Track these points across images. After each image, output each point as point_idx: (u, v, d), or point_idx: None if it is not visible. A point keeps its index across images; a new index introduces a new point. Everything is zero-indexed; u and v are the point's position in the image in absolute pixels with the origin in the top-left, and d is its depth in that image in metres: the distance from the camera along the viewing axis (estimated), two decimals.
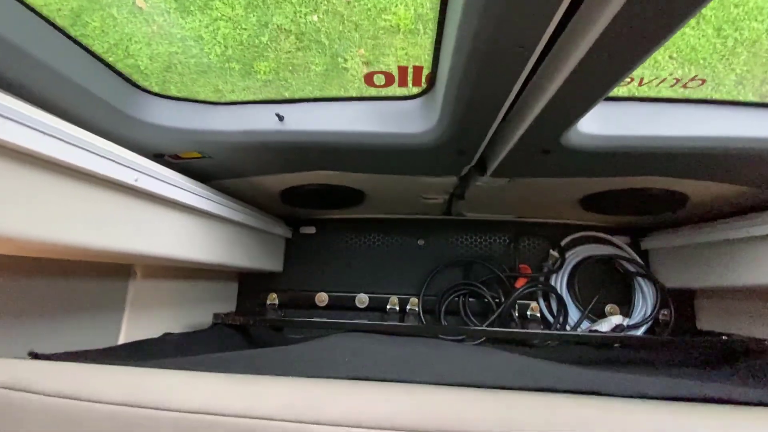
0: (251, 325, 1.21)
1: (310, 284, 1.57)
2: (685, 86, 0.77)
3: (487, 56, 0.56)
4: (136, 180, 0.74)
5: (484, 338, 1.34)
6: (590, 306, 1.40)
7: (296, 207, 1.43)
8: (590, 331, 1.35)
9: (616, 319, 1.34)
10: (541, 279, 1.47)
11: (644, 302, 1.41)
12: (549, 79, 0.63)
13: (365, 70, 0.81)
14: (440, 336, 1.30)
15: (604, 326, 1.34)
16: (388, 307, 1.51)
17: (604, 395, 0.55)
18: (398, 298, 1.52)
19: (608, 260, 1.48)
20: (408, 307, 1.50)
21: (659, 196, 1.15)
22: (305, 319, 1.28)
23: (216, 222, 1.10)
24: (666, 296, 1.39)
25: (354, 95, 0.88)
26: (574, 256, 1.50)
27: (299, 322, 1.28)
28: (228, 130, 0.88)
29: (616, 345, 1.25)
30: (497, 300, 1.46)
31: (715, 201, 1.14)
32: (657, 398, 0.54)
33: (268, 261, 1.49)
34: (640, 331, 1.37)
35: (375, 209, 1.54)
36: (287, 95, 2.59)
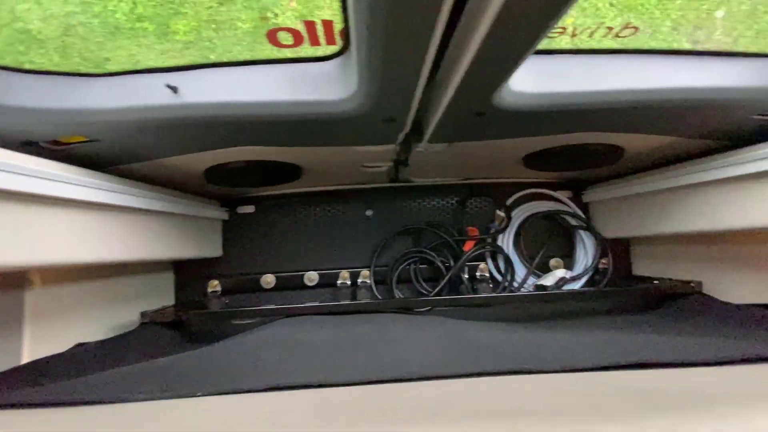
0: (184, 320, 1.12)
1: (255, 266, 1.48)
2: (618, 35, 0.72)
3: (393, 10, 0.47)
4: None
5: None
6: (535, 262, 1.43)
7: (226, 186, 1.30)
8: (536, 286, 1.39)
9: (560, 272, 1.38)
10: (489, 240, 1.48)
11: (585, 254, 1.46)
12: (470, 35, 0.56)
13: (274, 27, 0.68)
14: (392, 310, 1.28)
15: (549, 280, 1.38)
16: (338, 282, 1.46)
17: (535, 373, 0.54)
18: (349, 272, 1.47)
19: (552, 215, 1.51)
20: (359, 280, 1.47)
21: (597, 151, 1.14)
22: (247, 308, 1.20)
23: (125, 214, 0.97)
24: (605, 246, 1.44)
25: (266, 57, 0.76)
26: (519, 215, 1.50)
27: (241, 312, 1.20)
28: (111, 107, 0.73)
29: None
30: (447, 264, 1.45)
31: (650, 152, 1.16)
32: (586, 370, 0.53)
33: (203, 247, 1.37)
34: (581, 281, 1.43)
35: (316, 182, 1.44)
36: (213, 58, 2.30)
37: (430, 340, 0.73)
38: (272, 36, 0.66)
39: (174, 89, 0.71)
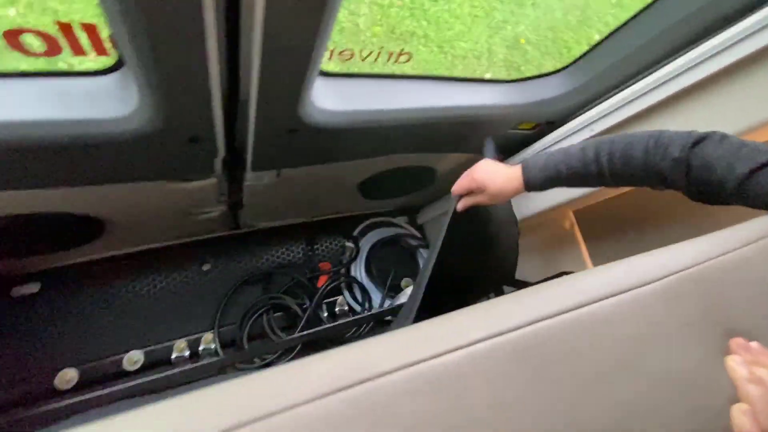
0: None
1: (43, 364, 1.10)
2: (397, 60, 0.86)
3: (154, 14, 0.45)
4: None
5: (297, 351, 1.23)
6: (387, 285, 1.48)
7: None
8: (391, 307, 1.42)
9: (409, 290, 1.46)
10: (342, 271, 1.47)
11: None
12: (250, 45, 0.57)
13: (15, 29, 0.56)
14: (240, 367, 1.11)
15: (402, 299, 1.43)
16: (173, 356, 1.21)
17: None
18: (186, 340, 1.24)
19: (395, 240, 1.61)
20: (201, 347, 1.24)
21: (416, 173, 1.29)
22: (27, 413, 0.86)
23: None
24: None
25: (16, 70, 0.62)
26: (366, 243, 1.56)
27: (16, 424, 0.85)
28: None
29: None
30: (304, 306, 1.37)
31: (456, 171, 1.37)
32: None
33: None
34: None
35: (130, 240, 1.21)
36: None
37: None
38: (12, 39, 0.54)
39: None
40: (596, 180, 0.63)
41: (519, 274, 1.38)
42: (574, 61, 0.98)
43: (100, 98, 0.64)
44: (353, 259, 1.50)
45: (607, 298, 0.31)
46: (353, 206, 1.57)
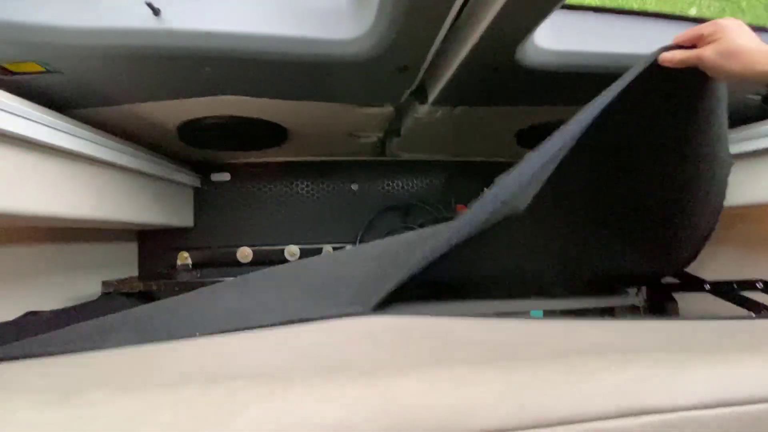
0: (155, 290, 1.01)
1: (230, 239, 1.37)
2: None
3: None
4: None
5: None
6: None
7: (201, 147, 1.18)
8: None
9: None
10: None
11: None
12: None
13: None
14: None
15: None
16: None
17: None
18: (333, 247, 1.40)
19: None
20: None
21: None
22: (222, 279, 1.10)
23: (87, 165, 0.84)
24: None
25: None
26: None
27: (221, 282, 1.10)
28: (75, 26, 0.61)
29: None
30: None
31: None
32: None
33: (173, 215, 1.25)
34: None
35: (300, 150, 1.35)
36: None
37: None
38: None
39: (155, 11, 0.61)
40: None
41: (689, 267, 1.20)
42: None
43: (331, 19, 0.66)
44: None
45: None
46: (501, 151, 1.48)
